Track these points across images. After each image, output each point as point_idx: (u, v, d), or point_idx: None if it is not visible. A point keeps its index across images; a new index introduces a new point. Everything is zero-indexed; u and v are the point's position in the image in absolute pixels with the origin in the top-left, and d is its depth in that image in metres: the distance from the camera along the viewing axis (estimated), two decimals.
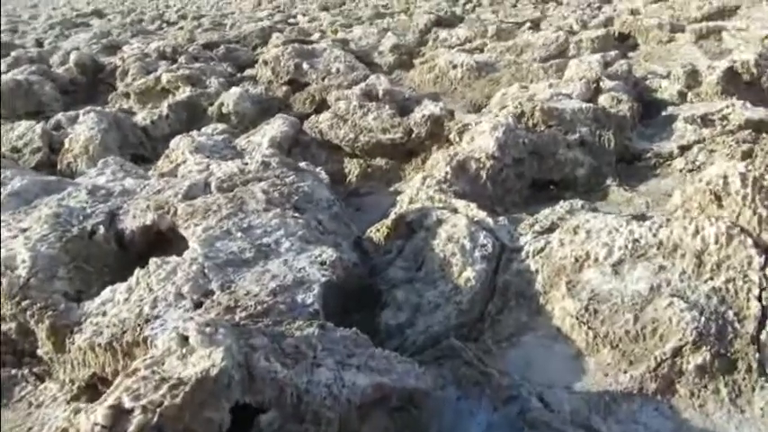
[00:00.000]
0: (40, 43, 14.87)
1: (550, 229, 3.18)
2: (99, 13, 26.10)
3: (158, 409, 1.49)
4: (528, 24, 9.54)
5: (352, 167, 4.99)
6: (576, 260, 2.86)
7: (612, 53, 6.32)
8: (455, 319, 2.73)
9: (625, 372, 2.49)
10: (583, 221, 3.02)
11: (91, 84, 9.33)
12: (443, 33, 9.90)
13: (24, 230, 2.76)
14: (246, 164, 3.23)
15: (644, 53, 7.64)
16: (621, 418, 2.35)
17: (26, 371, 2.37)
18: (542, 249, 3.02)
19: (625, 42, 8.56)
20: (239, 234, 2.65)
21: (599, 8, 11.13)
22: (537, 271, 2.95)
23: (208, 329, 1.79)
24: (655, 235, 2.79)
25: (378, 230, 3.60)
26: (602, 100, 4.64)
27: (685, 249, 2.69)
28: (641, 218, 2.99)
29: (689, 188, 2.84)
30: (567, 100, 4.45)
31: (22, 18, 26.98)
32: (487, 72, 6.65)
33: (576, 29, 8.74)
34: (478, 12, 13.01)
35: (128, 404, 1.50)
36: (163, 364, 1.68)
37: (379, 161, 4.98)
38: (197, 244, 2.55)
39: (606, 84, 4.98)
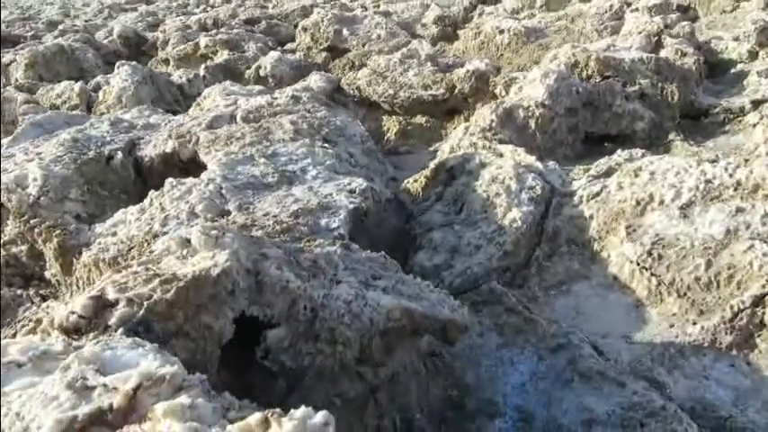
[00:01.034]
0: (88, 22, 15.14)
1: (607, 173, 2.85)
2: (147, 0, 26.61)
3: (146, 303, 1.26)
4: None
5: (391, 125, 4.72)
6: (638, 203, 2.53)
7: (673, 15, 5.86)
8: (497, 261, 2.44)
9: (694, 323, 2.16)
10: (646, 163, 2.69)
11: (134, 55, 9.32)
12: (489, 8, 9.53)
13: (40, 154, 2.61)
14: (276, 98, 3.01)
15: (706, 22, 7.11)
16: (689, 372, 2.02)
17: (32, 292, 2.20)
18: (598, 194, 2.70)
19: (685, 14, 8.02)
20: (262, 160, 2.42)
21: None
22: (591, 216, 2.63)
23: (213, 232, 1.56)
24: (731, 175, 2.44)
25: (415, 181, 3.34)
26: (665, 53, 4.24)
27: None
28: (714, 160, 2.64)
29: None
30: (625, 51, 4.08)
31: (76, 5, 27.78)
32: (537, 37, 6.28)
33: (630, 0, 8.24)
34: None
35: (111, 296, 1.28)
36: (159, 262, 1.46)
37: (420, 119, 4.69)
38: (216, 166, 2.34)
39: (668, 40, 4.57)
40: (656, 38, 4.49)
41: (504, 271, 2.47)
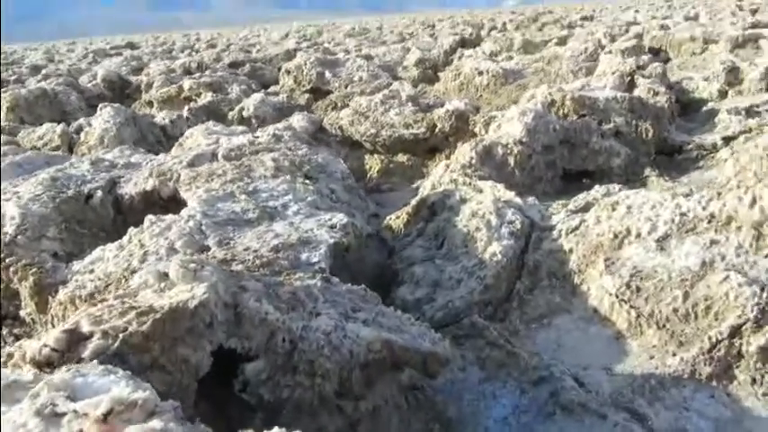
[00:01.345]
0: (72, 66, 15.25)
1: (585, 208, 2.90)
2: (132, 45, 26.98)
3: (121, 335, 1.24)
4: (555, 40, 9.37)
5: (373, 164, 4.78)
6: (616, 236, 2.57)
7: (645, 57, 6.07)
8: (479, 294, 2.45)
9: (674, 354, 2.17)
10: (622, 197, 2.74)
11: (118, 98, 9.36)
12: (469, 51, 9.79)
13: (18, 193, 2.59)
14: (257, 137, 3.04)
15: (677, 63, 7.38)
16: (670, 404, 2.02)
17: (5, 331, 2.16)
18: (577, 228, 2.74)
19: (657, 56, 8.31)
20: (243, 196, 2.43)
21: (627, 28, 10.96)
22: (571, 250, 2.66)
23: (192, 266, 1.55)
24: (704, 208, 2.49)
25: (397, 218, 3.36)
26: (638, 92, 4.37)
27: (741, 221, 2.38)
28: (688, 194, 2.70)
29: (743, 156, 2.55)
30: (600, 90, 4.21)
31: (60, 51, 28.04)
32: (515, 78, 6.45)
33: (604, 43, 8.54)
34: (504, 34, 12.94)
35: (86, 328, 1.26)
36: (135, 296, 1.45)
37: (401, 157, 4.76)
38: (196, 203, 2.34)
39: (641, 80, 4.73)
40: (630, 78, 4.64)
41: (486, 305, 2.47)
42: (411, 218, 3.27)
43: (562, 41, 9.49)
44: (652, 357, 2.19)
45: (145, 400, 0.84)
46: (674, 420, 1.91)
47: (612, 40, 8.78)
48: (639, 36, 8.94)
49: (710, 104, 4.64)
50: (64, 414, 0.82)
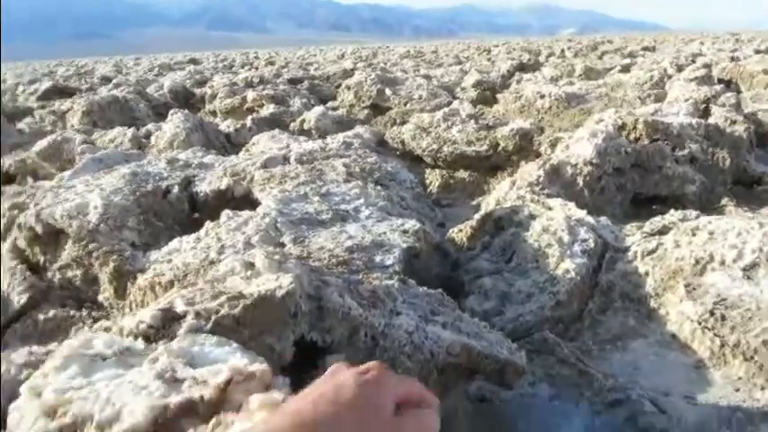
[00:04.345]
0: (139, 78, 15.90)
1: (662, 232, 2.79)
2: (195, 61, 28.00)
3: (213, 317, 1.25)
4: (618, 68, 9.20)
5: (434, 179, 4.76)
6: (697, 262, 2.46)
7: (717, 87, 5.88)
8: (550, 310, 2.37)
9: (762, 388, 2.04)
10: (704, 223, 2.63)
11: (182, 108, 9.67)
12: (528, 75, 9.72)
13: (100, 185, 2.68)
14: (327, 143, 3.06)
15: (750, 96, 7.12)
16: None
17: (84, 313, 2.22)
18: (654, 251, 2.63)
19: (728, 88, 8.05)
20: (316, 198, 2.44)
21: (693, 59, 10.69)
22: (647, 273, 2.56)
23: (277, 257, 1.56)
24: None
25: (460, 230, 3.31)
26: (714, 120, 4.23)
27: None
28: None
29: None
30: (673, 116, 4.08)
31: (128, 65, 29.38)
32: (578, 102, 6.35)
33: (670, 72, 8.33)
34: (563, 60, 12.81)
35: (180, 308, 1.27)
36: (224, 281, 1.45)
37: (462, 173, 4.72)
38: (271, 201, 2.36)
39: (715, 108, 4.57)
40: (704, 105, 4.49)
41: (557, 322, 2.39)
42: (476, 232, 3.22)
43: (625, 69, 9.32)
44: (738, 390, 2.06)
45: (263, 372, 0.83)
46: None
47: (679, 69, 8.56)
48: (708, 66, 8.69)
49: None
50: (183, 380, 0.82)
